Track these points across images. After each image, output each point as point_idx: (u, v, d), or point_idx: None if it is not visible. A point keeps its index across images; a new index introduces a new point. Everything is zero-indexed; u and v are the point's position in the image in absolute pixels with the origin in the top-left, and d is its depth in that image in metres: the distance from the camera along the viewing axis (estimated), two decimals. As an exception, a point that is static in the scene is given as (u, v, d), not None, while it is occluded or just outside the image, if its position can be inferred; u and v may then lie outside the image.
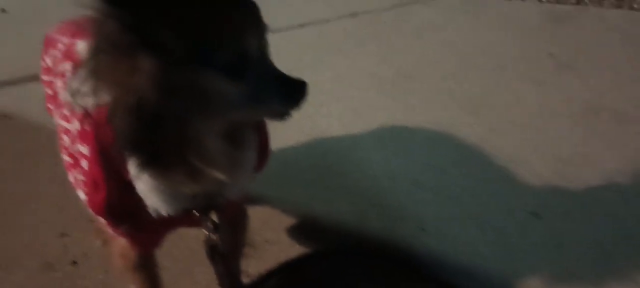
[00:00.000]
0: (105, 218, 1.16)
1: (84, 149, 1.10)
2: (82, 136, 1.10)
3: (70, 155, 1.19)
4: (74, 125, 1.16)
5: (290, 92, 0.99)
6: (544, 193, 1.92)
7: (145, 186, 1.05)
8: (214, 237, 1.18)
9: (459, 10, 4.26)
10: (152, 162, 0.95)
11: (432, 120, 2.51)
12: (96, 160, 1.07)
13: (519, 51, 3.27)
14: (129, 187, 1.06)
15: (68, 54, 1.42)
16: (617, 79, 2.76)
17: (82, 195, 1.17)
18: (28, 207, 2.00)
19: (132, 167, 0.99)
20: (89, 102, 0.99)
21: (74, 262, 1.73)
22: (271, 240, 1.81)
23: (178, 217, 1.13)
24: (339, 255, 1.74)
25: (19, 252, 1.78)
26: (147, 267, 1.35)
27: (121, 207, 1.12)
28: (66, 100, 1.16)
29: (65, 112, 1.26)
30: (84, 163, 1.11)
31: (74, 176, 1.18)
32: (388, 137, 2.39)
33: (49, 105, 1.47)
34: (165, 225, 1.21)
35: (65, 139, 1.23)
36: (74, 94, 1.01)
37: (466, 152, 2.22)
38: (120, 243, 1.27)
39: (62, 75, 1.40)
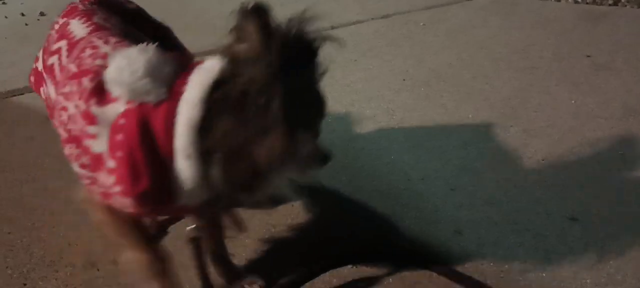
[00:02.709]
0: (135, 204, 1.24)
1: (119, 137, 1.20)
2: (118, 127, 1.21)
3: (67, 131, 1.32)
4: (75, 107, 1.29)
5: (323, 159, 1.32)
6: (583, 197, 1.89)
7: (190, 179, 1.20)
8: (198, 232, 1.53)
9: (492, 10, 4.22)
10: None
11: (466, 121, 2.50)
12: (140, 149, 1.18)
13: (554, 51, 3.23)
14: (166, 175, 1.20)
15: (62, 34, 1.54)
16: (657, 80, 2.71)
17: (77, 168, 1.30)
18: (72, 206, 2.05)
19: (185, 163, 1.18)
20: (147, 97, 1.19)
21: (116, 261, 1.77)
22: (300, 239, 1.83)
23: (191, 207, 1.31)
24: (371, 257, 1.74)
25: (63, 250, 1.84)
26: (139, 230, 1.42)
27: (156, 194, 1.22)
28: (109, 79, 1.24)
29: (67, 89, 1.34)
30: (119, 154, 1.20)
31: (69, 150, 1.32)
32: (421, 138, 2.38)
33: (32, 78, 1.68)
34: (176, 210, 1.40)
35: (64, 115, 1.33)
36: (133, 88, 1.19)
37: (501, 154, 2.21)
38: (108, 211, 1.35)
39: (58, 52, 1.50)
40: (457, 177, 2.07)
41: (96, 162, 1.25)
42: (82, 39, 1.47)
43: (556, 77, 2.88)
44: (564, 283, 1.54)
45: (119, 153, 1.19)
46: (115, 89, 1.23)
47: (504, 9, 4.21)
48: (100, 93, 1.25)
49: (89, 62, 1.34)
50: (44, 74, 1.57)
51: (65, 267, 1.77)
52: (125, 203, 1.25)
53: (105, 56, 1.32)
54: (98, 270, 1.75)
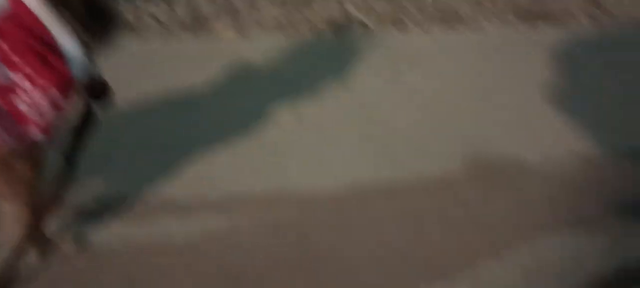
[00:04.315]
0: (61, 88, 1.32)
1: (15, 58, 1.26)
2: (6, 51, 1.26)
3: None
4: None
5: None
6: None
7: (62, 32, 1.31)
8: None
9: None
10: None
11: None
12: (37, 45, 1.28)
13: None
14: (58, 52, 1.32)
15: None
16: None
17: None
18: None
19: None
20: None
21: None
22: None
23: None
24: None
25: None
26: None
27: (67, 70, 1.34)
28: None
29: None
30: (26, 70, 1.26)
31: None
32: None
33: None
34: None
35: None
36: None
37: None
38: None
39: None
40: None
41: (6, 91, 1.26)
42: None
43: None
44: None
45: (27, 70, 1.26)
46: None
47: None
48: None
49: None
50: None
51: None
52: (47, 106, 1.29)
53: None
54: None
